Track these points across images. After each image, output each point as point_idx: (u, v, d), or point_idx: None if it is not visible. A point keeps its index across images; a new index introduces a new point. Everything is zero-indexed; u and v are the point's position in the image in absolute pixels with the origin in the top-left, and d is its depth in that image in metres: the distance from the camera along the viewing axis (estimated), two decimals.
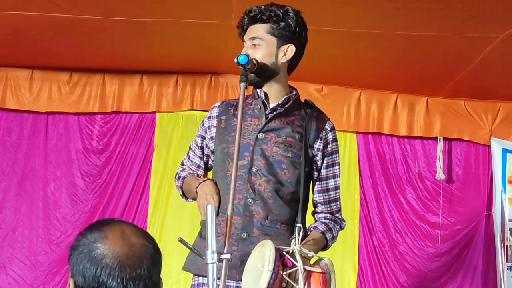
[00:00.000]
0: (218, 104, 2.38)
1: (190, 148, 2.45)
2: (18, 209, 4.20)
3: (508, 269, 4.22)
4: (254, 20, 2.20)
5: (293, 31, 2.19)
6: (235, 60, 2.04)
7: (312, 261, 2.06)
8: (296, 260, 1.95)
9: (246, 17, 2.22)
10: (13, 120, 4.28)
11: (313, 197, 2.30)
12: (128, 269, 1.21)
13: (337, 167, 2.30)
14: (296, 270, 1.94)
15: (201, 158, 2.40)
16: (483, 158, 4.45)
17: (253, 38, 2.19)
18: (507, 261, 4.24)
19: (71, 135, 4.29)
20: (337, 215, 2.31)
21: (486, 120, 4.39)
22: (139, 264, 1.23)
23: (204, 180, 2.24)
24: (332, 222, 2.27)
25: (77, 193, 4.23)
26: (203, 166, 2.41)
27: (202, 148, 2.38)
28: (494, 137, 4.36)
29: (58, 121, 4.30)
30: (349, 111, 4.34)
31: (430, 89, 4.32)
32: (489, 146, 4.39)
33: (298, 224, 2.09)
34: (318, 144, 2.24)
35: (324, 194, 2.28)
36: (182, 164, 2.47)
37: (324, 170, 2.27)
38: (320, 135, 2.24)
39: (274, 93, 2.24)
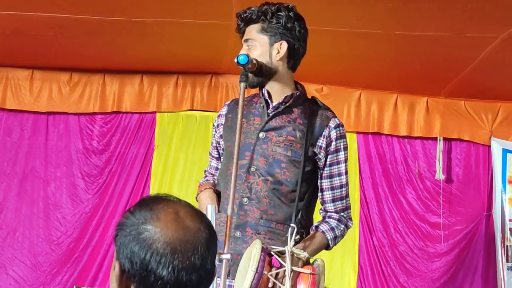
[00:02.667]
0: (228, 102, 2.40)
1: (209, 153, 2.44)
2: (19, 209, 4.20)
3: (508, 269, 4.22)
4: (246, 22, 2.21)
5: (284, 27, 2.17)
6: (235, 60, 2.04)
7: (312, 260, 2.06)
8: (284, 261, 1.93)
9: (238, 20, 2.23)
10: (13, 120, 4.28)
11: (319, 196, 2.28)
12: (180, 257, 1.07)
13: (342, 165, 2.24)
14: (284, 271, 1.93)
15: (218, 159, 2.39)
16: (483, 158, 4.45)
17: (246, 40, 2.20)
18: (507, 261, 4.23)
19: (71, 135, 4.29)
20: (342, 213, 2.26)
21: (486, 120, 4.39)
22: (192, 251, 1.09)
23: (202, 190, 2.26)
24: (336, 221, 2.23)
25: (77, 194, 4.24)
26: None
27: (217, 148, 2.39)
28: (494, 137, 4.36)
29: (59, 121, 4.30)
30: (349, 111, 4.34)
31: (430, 89, 4.32)
32: (489, 146, 4.39)
33: (291, 224, 2.07)
34: (321, 142, 2.21)
35: (328, 192, 2.24)
36: (205, 171, 2.47)
37: (328, 168, 2.23)
38: (323, 133, 2.21)
39: (276, 91, 2.23)
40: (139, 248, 1.08)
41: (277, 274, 1.93)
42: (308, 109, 2.24)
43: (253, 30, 2.20)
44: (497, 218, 4.30)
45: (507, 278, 4.21)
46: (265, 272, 1.90)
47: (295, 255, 1.98)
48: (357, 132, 4.39)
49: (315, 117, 2.22)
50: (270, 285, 1.93)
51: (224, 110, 2.36)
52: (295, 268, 1.95)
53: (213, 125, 2.40)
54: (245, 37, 2.21)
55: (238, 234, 2.13)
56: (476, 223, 4.38)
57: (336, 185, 2.24)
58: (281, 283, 1.93)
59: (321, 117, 2.23)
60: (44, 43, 3.76)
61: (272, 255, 1.96)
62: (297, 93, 2.24)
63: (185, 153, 4.28)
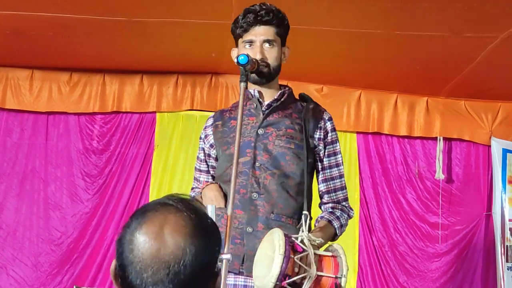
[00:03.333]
0: (212, 114, 2.42)
1: (195, 169, 2.44)
2: (19, 209, 4.20)
3: (508, 269, 4.22)
4: (263, 22, 2.20)
5: (287, 33, 2.27)
6: (235, 60, 2.05)
7: (322, 249, 2.06)
8: (306, 246, 1.93)
9: (256, 17, 2.19)
10: (13, 120, 4.28)
11: (318, 188, 2.31)
12: (149, 271, 1.12)
13: (339, 155, 2.31)
14: (307, 255, 1.92)
15: (207, 172, 2.39)
16: (483, 158, 4.45)
17: (268, 40, 2.20)
18: (507, 261, 4.23)
19: (71, 135, 4.29)
20: (344, 203, 2.31)
21: (486, 120, 4.39)
22: (163, 268, 1.11)
23: (208, 184, 2.26)
24: (339, 211, 2.28)
25: (77, 194, 4.24)
26: (212, 180, 2.38)
27: (206, 161, 2.38)
28: (494, 137, 4.36)
29: (58, 121, 4.30)
30: (349, 111, 4.34)
31: (430, 89, 4.32)
32: (489, 146, 4.39)
33: (304, 212, 2.10)
34: (318, 134, 2.26)
35: (328, 183, 2.29)
36: (192, 189, 2.46)
37: (327, 159, 2.29)
38: (319, 125, 2.26)
39: (269, 91, 2.26)
40: (121, 252, 1.14)
41: (301, 258, 1.93)
42: (299, 105, 2.31)
43: (272, 31, 2.21)
44: (497, 218, 4.30)
45: (507, 278, 4.21)
46: (292, 256, 1.89)
47: (311, 242, 1.99)
48: (357, 132, 4.40)
49: (308, 111, 2.27)
50: (296, 269, 1.92)
51: (209, 121, 2.37)
52: (317, 252, 1.96)
53: (200, 139, 2.39)
54: (266, 37, 2.20)
55: (250, 229, 2.13)
56: (476, 223, 4.38)
57: (336, 175, 2.31)
58: (306, 266, 1.93)
59: (313, 110, 2.29)
60: (44, 43, 3.76)
61: (293, 241, 1.96)
62: (288, 90, 2.30)
63: (185, 153, 4.28)
